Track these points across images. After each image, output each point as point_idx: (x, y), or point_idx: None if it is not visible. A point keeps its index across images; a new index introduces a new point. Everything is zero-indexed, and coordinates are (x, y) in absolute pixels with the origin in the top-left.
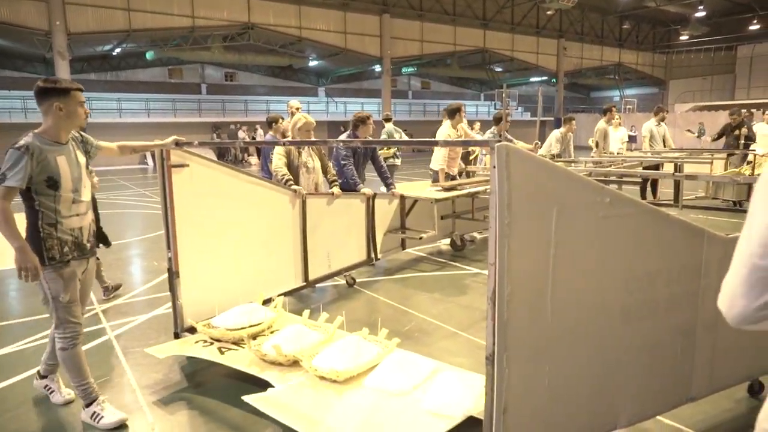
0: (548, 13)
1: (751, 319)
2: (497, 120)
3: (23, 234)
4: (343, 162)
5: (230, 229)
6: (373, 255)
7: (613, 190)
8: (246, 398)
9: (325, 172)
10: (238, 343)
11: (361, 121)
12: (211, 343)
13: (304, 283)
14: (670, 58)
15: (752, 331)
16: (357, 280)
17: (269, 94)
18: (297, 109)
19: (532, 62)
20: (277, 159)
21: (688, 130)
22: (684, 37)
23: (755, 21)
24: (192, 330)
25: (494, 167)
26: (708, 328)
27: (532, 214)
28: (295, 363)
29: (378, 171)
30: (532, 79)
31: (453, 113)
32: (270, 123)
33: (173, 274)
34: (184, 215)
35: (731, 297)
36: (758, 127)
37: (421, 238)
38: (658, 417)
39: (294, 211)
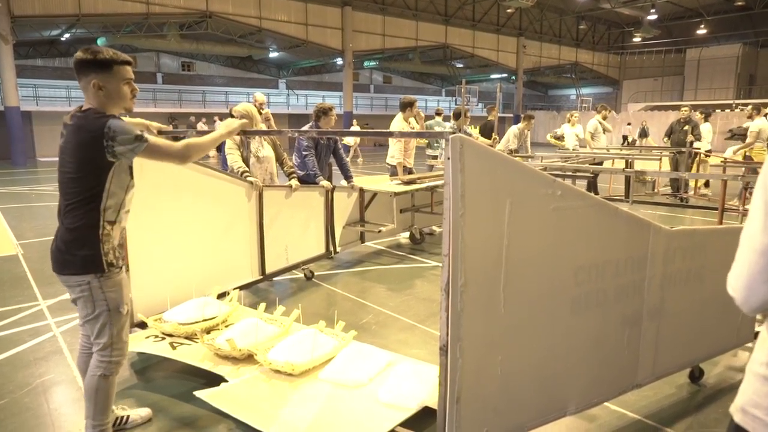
0: (508, 11)
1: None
2: (456, 115)
3: (70, 231)
4: (304, 153)
5: (183, 221)
6: (331, 248)
7: (564, 183)
8: (198, 393)
9: (281, 164)
10: (190, 337)
11: (323, 112)
12: (163, 338)
13: (261, 277)
14: (623, 59)
15: (692, 320)
16: (315, 274)
17: (228, 85)
18: (261, 103)
19: (492, 59)
20: (231, 152)
21: (624, 137)
22: (637, 39)
23: (702, 26)
24: (143, 325)
25: (448, 159)
26: (652, 317)
27: (486, 206)
28: (249, 357)
29: (339, 164)
30: (493, 76)
31: (405, 107)
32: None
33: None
34: (135, 207)
35: (750, 285)
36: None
37: (380, 231)
38: (605, 403)
39: (250, 204)
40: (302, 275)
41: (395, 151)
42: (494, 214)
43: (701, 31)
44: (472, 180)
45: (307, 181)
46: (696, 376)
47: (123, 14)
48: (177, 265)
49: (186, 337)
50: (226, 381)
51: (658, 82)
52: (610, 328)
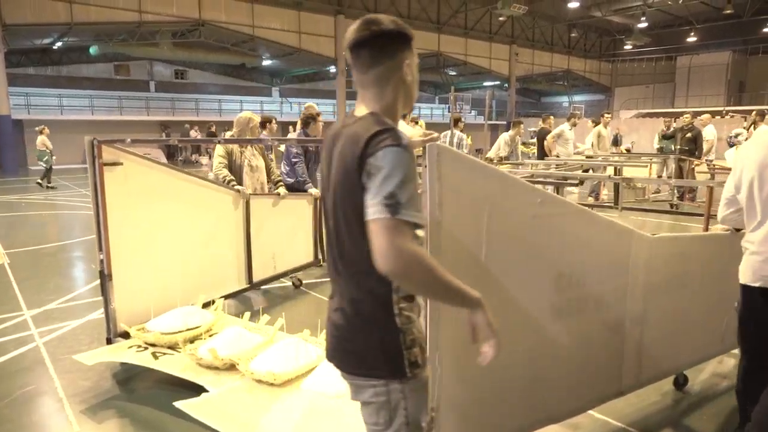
0: (500, 19)
1: (726, 220)
2: (456, 121)
3: (352, 306)
4: (294, 160)
5: (168, 230)
6: (320, 256)
7: (544, 191)
8: (178, 404)
9: (268, 173)
10: (173, 347)
11: (311, 118)
12: (145, 348)
13: (248, 285)
14: (615, 66)
15: (676, 327)
16: (304, 282)
17: (221, 93)
18: (318, 113)
19: (485, 67)
20: (217, 162)
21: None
22: (628, 47)
23: (692, 33)
24: (125, 335)
25: (425, 167)
26: (635, 324)
27: (464, 214)
28: (232, 366)
29: None
30: (486, 84)
31: None
32: (263, 123)
33: (105, 277)
34: (119, 215)
35: (719, 210)
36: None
37: None
38: (589, 411)
39: (237, 212)
40: (290, 283)
41: None
42: (472, 222)
43: (691, 38)
44: (450, 187)
45: (295, 188)
46: (681, 382)
47: (115, 22)
48: (162, 274)
49: (169, 347)
50: (207, 391)
51: (649, 89)
52: (593, 336)
